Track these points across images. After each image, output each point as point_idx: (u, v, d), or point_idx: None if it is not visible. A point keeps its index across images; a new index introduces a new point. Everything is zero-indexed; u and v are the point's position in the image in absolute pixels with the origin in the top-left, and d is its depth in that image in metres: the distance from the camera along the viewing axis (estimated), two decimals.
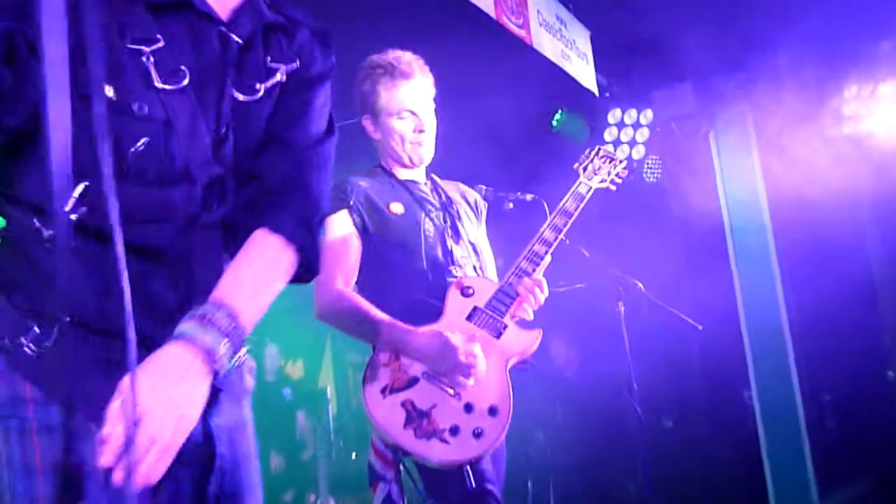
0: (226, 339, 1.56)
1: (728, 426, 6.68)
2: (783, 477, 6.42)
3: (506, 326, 3.13)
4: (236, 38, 1.74)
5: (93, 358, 1.57)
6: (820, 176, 6.12)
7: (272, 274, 1.72)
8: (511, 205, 4.07)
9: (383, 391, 2.93)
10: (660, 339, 5.63)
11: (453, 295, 3.15)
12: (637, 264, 5.91)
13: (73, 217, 1.42)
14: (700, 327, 4.94)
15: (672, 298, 5.11)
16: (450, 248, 3.27)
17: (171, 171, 1.63)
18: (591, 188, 3.50)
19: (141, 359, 1.46)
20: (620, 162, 3.65)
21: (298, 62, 1.83)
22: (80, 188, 1.45)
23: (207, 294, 1.61)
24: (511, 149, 6.24)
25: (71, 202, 1.42)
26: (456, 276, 3.23)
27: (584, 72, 5.60)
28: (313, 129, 1.86)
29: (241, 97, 1.74)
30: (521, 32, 4.60)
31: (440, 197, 3.40)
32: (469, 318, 3.11)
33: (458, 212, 3.41)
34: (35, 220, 1.57)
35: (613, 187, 3.59)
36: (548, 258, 3.32)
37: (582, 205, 3.45)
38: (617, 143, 6.81)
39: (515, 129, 6.16)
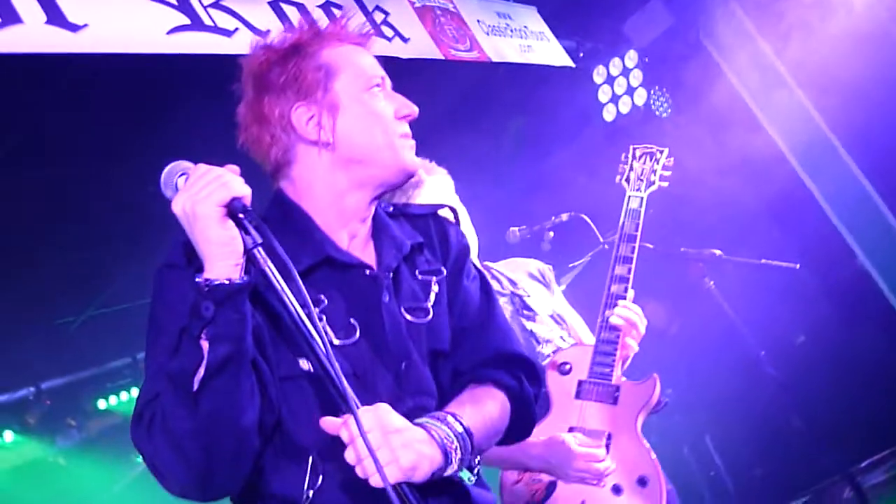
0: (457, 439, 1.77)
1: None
2: None
3: (618, 388, 3.06)
4: (386, 275, 1.93)
5: None
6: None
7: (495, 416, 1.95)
8: (552, 233, 4.03)
9: None
10: (766, 294, 5.21)
11: (553, 378, 3.04)
12: (703, 216, 5.55)
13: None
14: (797, 266, 4.56)
15: (758, 243, 4.73)
16: (529, 328, 3.18)
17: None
18: (642, 199, 3.25)
19: None
20: (661, 151, 3.34)
21: (444, 269, 2.06)
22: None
23: None
24: (525, 180, 5.91)
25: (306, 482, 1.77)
26: (547, 356, 3.10)
27: (550, 52, 5.22)
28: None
29: (411, 318, 1.94)
30: (474, 55, 4.22)
31: (499, 282, 3.25)
32: (578, 395, 3.03)
33: (524, 290, 3.26)
34: None
35: (666, 184, 3.29)
36: (630, 293, 3.16)
37: (641, 220, 3.22)
38: (615, 98, 6.39)
39: (520, 158, 5.85)
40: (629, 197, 3.26)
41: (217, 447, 1.67)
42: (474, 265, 2.18)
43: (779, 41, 6.11)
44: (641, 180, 3.29)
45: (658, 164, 3.32)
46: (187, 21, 3.07)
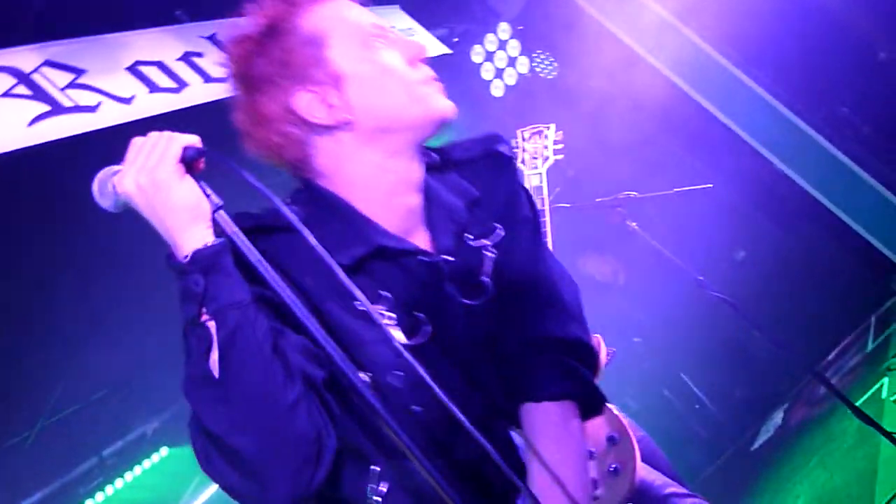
0: None
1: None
2: None
3: None
4: (445, 258, 1.70)
5: None
6: None
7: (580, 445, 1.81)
8: None
9: None
10: (695, 222, 5.29)
11: None
12: (613, 164, 5.59)
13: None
14: (710, 185, 4.61)
15: (676, 176, 4.79)
16: None
17: (440, 418, 1.58)
18: (541, 175, 3.35)
19: None
20: (548, 127, 3.49)
21: (499, 226, 1.79)
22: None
23: None
24: None
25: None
26: None
27: (424, 44, 5.18)
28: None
29: (469, 301, 1.72)
30: None
31: None
32: None
33: None
34: None
35: (561, 156, 3.42)
36: None
37: (546, 194, 3.31)
38: (499, 73, 6.42)
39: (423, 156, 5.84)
40: (528, 176, 3.35)
41: (267, 436, 1.44)
42: (529, 201, 1.89)
43: None
44: (536, 158, 3.38)
45: (548, 139, 3.43)
46: (47, 108, 2.99)
